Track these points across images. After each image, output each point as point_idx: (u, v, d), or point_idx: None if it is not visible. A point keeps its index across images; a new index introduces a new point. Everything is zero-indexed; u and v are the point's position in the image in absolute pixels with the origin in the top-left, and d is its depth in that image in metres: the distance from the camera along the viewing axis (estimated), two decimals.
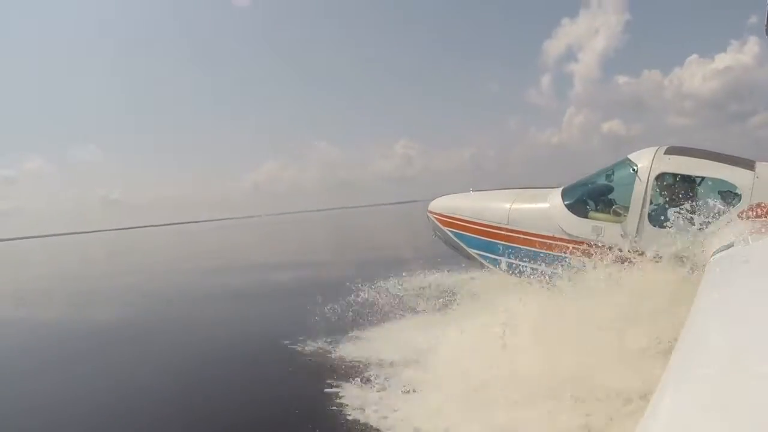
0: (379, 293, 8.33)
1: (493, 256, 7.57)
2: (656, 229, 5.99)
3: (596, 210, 6.86)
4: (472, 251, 7.91)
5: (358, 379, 5.34)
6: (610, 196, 6.95)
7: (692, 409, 1.21)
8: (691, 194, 6.09)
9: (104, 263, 34.32)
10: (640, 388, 3.43)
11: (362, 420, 4.49)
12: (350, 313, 7.72)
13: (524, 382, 4.19)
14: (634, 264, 5.50)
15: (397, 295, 8.35)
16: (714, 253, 3.11)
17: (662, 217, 5.98)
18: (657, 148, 6.48)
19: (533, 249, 6.90)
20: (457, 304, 7.29)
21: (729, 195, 5.84)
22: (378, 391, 5.02)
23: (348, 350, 6.45)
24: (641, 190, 6.21)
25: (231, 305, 11.52)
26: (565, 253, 6.36)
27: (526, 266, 6.73)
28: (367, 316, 7.54)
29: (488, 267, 7.72)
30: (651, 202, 6.27)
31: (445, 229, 8.35)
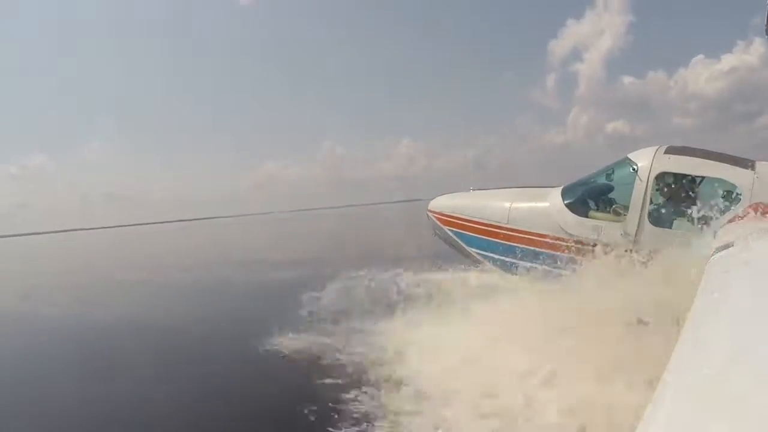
0: (376, 290, 8.33)
1: (492, 255, 7.57)
2: (656, 228, 5.99)
3: (596, 209, 6.87)
4: (472, 250, 7.92)
5: (352, 377, 5.31)
6: (610, 196, 6.96)
7: (692, 409, 1.21)
8: (691, 194, 6.10)
9: (103, 262, 34.22)
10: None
11: (355, 416, 4.49)
12: (345, 310, 7.68)
13: (517, 379, 4.21)
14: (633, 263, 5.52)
15: (394, 293, 8.34)
16: (714, 253, 3.10)
17: (662, 217, 5.98)
18: (657, 147, 6.48)
19: (533, 248, 6.91)
20: (454, 303, 7.28)
21: (729, 195, 5.84)
22: (370, 388, 5.01)
23: (342, 346, 6.42)
24: (641, 190, 6.21)
25: (230, 303, 11.49)
26: (564, 252, 6.37)
27: (525, 265, 6.74)
28: (362, 313, 7.51)
29: (488, 266, 7.73)
30: (651, 202, 6.28)
31: (445, 228, 8.35)
